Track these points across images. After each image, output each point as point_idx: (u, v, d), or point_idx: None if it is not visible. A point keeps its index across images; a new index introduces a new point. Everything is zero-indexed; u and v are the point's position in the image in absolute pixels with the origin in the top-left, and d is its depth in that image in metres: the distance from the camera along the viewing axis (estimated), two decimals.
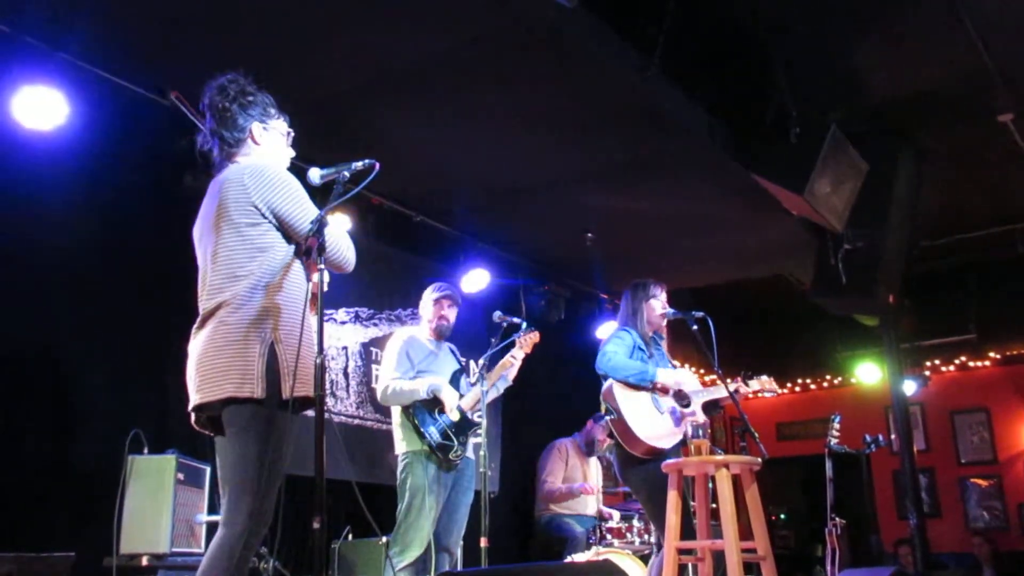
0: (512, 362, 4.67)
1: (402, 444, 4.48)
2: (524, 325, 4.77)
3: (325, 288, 2.51)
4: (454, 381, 4.60)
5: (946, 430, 9.69)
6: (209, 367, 2.49)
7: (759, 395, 4.69)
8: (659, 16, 4.43)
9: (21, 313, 4.10)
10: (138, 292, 4.47)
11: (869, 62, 4.97)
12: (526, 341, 4.74)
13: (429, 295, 4.79)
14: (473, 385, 4.61)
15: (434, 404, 4.45)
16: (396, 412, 4.55)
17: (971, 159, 6.13)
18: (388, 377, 4.50)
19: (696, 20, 4.60)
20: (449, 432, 4.42)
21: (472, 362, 5.20)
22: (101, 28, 3.96)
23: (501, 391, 4.79)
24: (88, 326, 4.33)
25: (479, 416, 4.49)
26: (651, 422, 4.32)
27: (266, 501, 2.45)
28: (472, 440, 4.60)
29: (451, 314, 4.74)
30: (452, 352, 4.81)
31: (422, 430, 4.38)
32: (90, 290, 4.36)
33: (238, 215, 2.56)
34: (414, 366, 4.55)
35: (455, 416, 4.46)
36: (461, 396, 4.54)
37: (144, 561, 3.65)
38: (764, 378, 4.67)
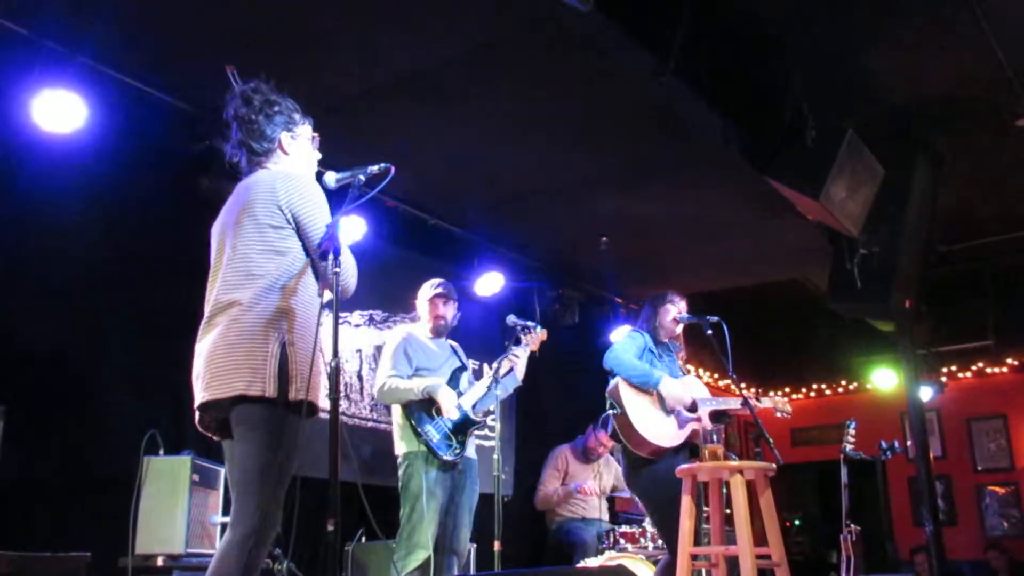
0: (514, 360, 4.64)
1: (401, 445, 4.43)
2: (537, 328, 4.76)
3: (329, 296, 2.53)
4: (454, 379, 4.54)
5: (963, 437, 9.62)
6: (221, 364, 2.48)
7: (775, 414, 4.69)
8: (674, 19, 4.42)
9: (38, 314, 4.13)
10: (155, 294, 4.49)
11: (886, 66, 4.95)
12: (533, 338, 4.71)
13: (424, 294, 4.73)
14: (474, 384, 4.58)
15: (431, 404, 4.38)
16: (396, 412, 4.50)
17: (989, 164, 6.09)
18: (384, 375, 4.45)
19: (712, 23, 4.59)
20: (448, 431, 4.38)
21: (486, 365, 5.20)
22: (119, 32, 3.99)
23: (511, 390, 4.73)
24: (104, 327, 4.36)
25: (492, 419, 4.49)
26: (655, 421, 4.33)
27: (274, 503, 2.44)
28: (473, 440, 4.55)
29: (448, 312, 4.67)
30: (454, 350, 4.75)
31: (419, 429, 4.32)
32: (107, 291, 4.38)
33: (263, 215, 2.58)
34: (412, 364, 4.49)
35: (454, 415, 4.40)
36: (460, 395, 4.49)
37: (159, 561, 3.67)
38: (780, 400, 4.67)
